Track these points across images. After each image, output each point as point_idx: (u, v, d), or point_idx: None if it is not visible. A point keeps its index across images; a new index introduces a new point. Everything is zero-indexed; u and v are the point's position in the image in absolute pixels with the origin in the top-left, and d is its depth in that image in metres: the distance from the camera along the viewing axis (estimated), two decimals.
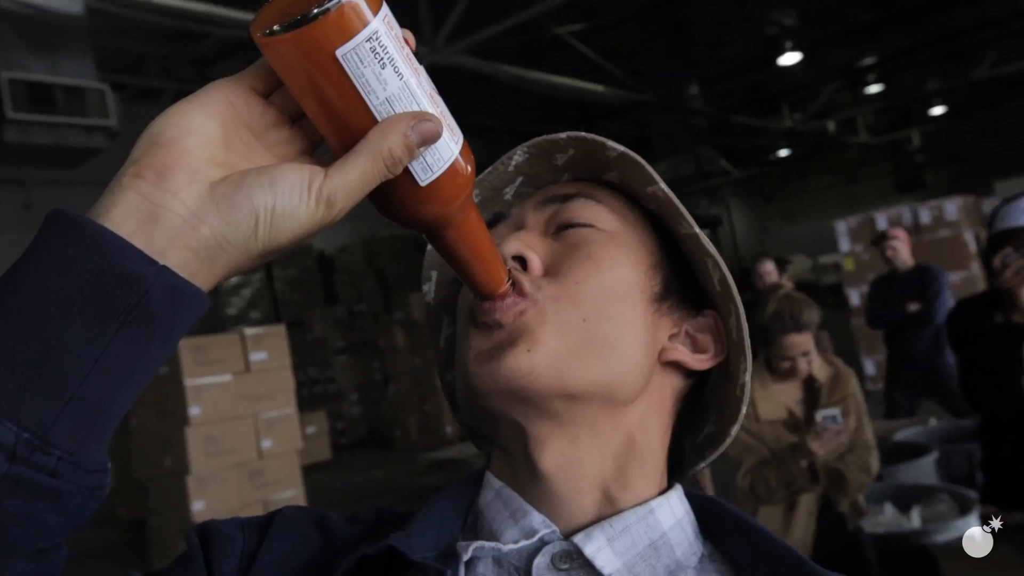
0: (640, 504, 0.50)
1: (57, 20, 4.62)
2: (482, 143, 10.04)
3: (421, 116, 0.38)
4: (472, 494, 0.54)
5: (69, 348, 0.31)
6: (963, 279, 7.16)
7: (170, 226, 0.34)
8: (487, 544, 0.48)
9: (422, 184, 0.41)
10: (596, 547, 0.47)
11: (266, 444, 5.29)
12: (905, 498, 3.11)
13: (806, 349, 2.31)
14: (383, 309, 9.52)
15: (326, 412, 8.10)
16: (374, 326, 9.37)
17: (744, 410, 0.55)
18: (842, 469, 2.23)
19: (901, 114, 14.64)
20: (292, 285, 9.74)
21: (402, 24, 0.40)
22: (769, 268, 5.93)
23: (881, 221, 7.64)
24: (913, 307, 4.79)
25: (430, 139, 0.39)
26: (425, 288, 0.62)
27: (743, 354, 0.54)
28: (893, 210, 7.82)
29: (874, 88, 13.08)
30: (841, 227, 7.82)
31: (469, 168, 0.44)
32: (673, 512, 0.51)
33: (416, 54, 0.40)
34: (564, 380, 0.48)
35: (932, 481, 3.34)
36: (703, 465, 0.59)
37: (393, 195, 0.42)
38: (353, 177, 0.37)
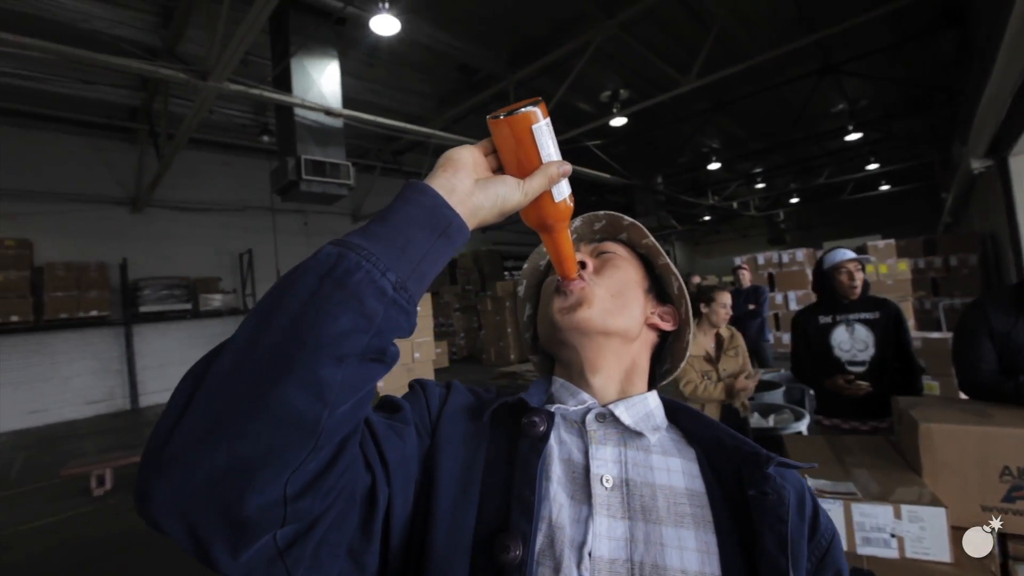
0: (639, 394, 0.71)
1: (328, 129, 6.02)
2: None
3: (564, 163, 0.61)
4: (547, 386, 0.75)
5: (416, 243, 0.51)
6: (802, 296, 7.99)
7: (458, 195, 0.55)
8: (560, 406, 0.69)
9: (556, 201, 0.63)
10: (620, 411, 0.68)
11: (416, 355, 7.00)
12: (765, 411, 3.67)
13: (727, 302, 3.01)
14: (481, 288, 11.68)
15: (447, 342, 10.14)
16: (475, 298, 11.35)
17: (688, 357, 0.77)
18: (736, 387, 2.82)
19: (773, 200, 17.20)
20: None
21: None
22: (696, 280, 7.74)
23: (760, 258, 9.01)
24: (751, 306, 5.65)
25: (567, 174, 0.61)
26: (519, 289, 0.86)
27: (688, 327, 0.76)
28: (761, 255, 9.02)
29: (760, 184, 15.15)
30: (737, 260, 8.82)
31: (572, 203, 0.65)
32: (655, 401, 0.72)
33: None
34: (604, 324, 0.70)
35: (780, 402, 3.85)
36: (663, 383, 0.78)
37: (541, 205, 0.63)
38: (537, 183, 0.59)
